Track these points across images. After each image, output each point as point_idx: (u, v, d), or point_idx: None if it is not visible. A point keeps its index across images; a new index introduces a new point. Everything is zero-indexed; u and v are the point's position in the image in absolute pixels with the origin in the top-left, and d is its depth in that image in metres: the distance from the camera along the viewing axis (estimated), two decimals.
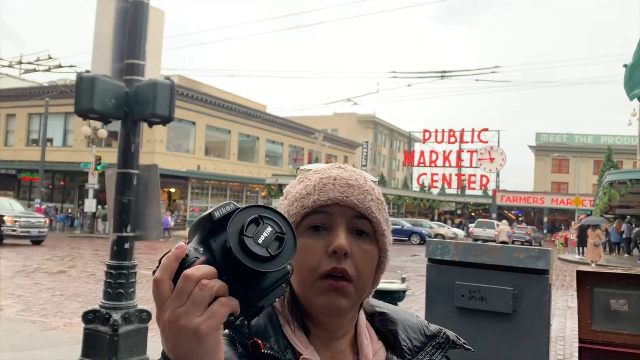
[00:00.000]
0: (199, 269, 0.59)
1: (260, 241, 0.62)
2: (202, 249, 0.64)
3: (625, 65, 3.05)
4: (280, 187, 33.08)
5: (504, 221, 28.51)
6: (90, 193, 24.64)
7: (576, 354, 3.11)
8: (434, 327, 0.87)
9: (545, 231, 46.60)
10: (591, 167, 53.15)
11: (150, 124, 4.27)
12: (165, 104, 4.06)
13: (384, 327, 0.85)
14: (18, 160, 32.71)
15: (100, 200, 24.81)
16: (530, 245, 30.81)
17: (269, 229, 0.63)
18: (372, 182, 0.84)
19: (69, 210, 29.95)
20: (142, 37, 4.27)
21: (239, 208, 0.65)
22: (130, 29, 4.24)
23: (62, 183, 33.53)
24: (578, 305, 2.97)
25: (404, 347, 0.83)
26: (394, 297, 4.32)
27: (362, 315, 0.85)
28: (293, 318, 0.79)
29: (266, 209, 0.65)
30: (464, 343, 0.87)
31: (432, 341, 0.85)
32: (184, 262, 0.61)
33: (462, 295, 3.14)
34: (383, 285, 4.39)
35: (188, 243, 0.66)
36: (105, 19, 4.24)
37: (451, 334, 0.87)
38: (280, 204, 0.84)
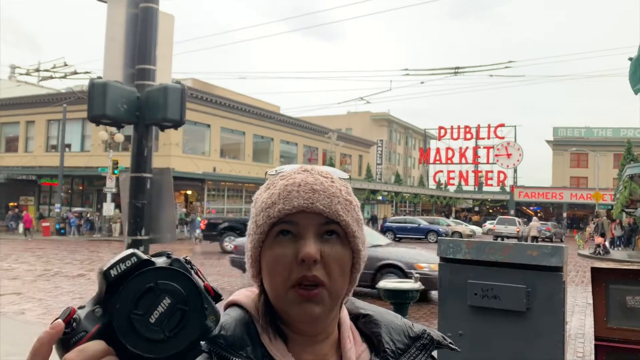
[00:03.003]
0: (81, 353, 0.54)
1: (153, 320, 0.54)
2: (100, 312, 0.56)
3: (630, 59, 2.99)
4: None
5: (535, 218, 28.85)
6: (109, 197, 24.99)
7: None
8: (418, 329, 0.86)
9: (565, 227, 46.00)
10: (611, 161, 52.26)
11: (162, 128, 4.31)
12: (176, 108, 4.09)
13: (367, 329, 0.85)
14: (38, 166, 33.29)
15: (118, 204, 25.14)
16: (551, 241, 30.55)
17: (167, 300, 0.55)
18: (340, 182, 0.81)
19: (89, 215, 30.39)
20: (152, 43, 4.31)
21: (140, 263, 0.57)
22: (141, 35, 4.29)
23: (80, 188, 34.04)
24: (593, 303, 2.92)
25: (387, 349, 0.82)
26: (407, 296, 4.31)
27: (345, 318, 0.84)
28: (269, 326, 0.78)
29: (167, 272, 0.56)
30: (450, 343, 0.87)
31: (416, 343, 0.84)
32: (71, 336, 0.55)
33: (475, 294, 3.11)
34: (396, 285, 4.38)
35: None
36: (115, 25, 4.29)
37: (436, 335, 0.86)
38: (250, 211, 0.82)
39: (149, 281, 0.55)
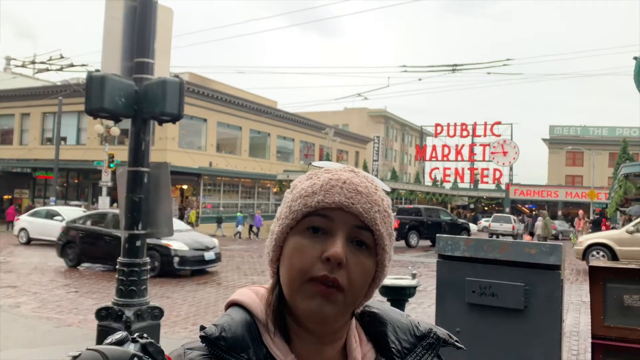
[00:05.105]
0: None
1: None
2: None
3: (635, 58, 2.98)
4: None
5: (540, 218, 29.26)
6: (104, 191, 24.88)
7: (590, 349, 3.07)
8: (424, 327, 0.85)
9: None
10: (606, 160, 52.45)
11: (160, 122, 4.29)
12: (175, 102, 4.07)
13: (373, 328, 0.83)
14: (33, 159, 33.13)
15: (114, 198, 25.06)
16: (557, 239, 30.76)
17: None
18: (382, 193, 0.79)
19: (82, 208, 30.27)
20: (151, 36, 4.28)
21: None
22: (139, 28, 4.26)
23: (76, 181, 33.91)
24: (591, 301, 2.93)
25: (393, 349, 0.80)
26: (404, 293, 4.31)
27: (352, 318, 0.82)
28: (275, 325, 0.76)
29: None
30: (456, 341, 0.85)
31: (422, 342, 0.83)
32: None
33: (473, 292, 3.12)
34: (393, 281, 4.38)
35: None
36: (114, 18, 4.26)
37: (442, 333, 0.85)
38: (285, 196, 0.80)
39: None
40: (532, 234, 24.11)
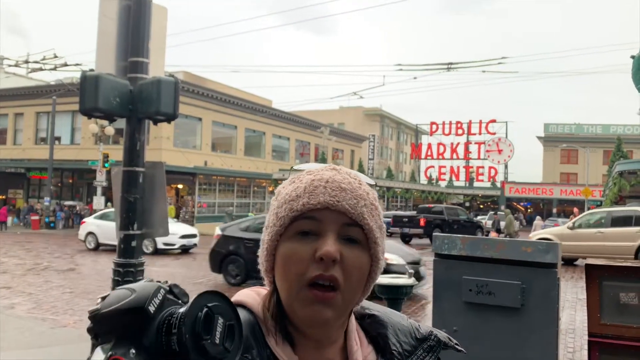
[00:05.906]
0: None
1: (217, 340, 0.60)
2: (133, 352, 0.60)
3: (633, 57, 2.99)
4: None
5: (539, 217, 29.66)
6: (99, 190, 24.80)
7: (586, 346, 3.08)
8: (424, 330, 0.85)
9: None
10: (600, 157, 52.72)
11: (155, 122, 4.27)
12: (170, 101, 4.05)
13: (373, 330, 0.83)
14: (27, 159, 32.93)
15: (109, 197, 24.98)
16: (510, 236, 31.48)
17: (220, 320, 0.61)
18: (367, 186, 0.79)
19: (77, 208, 30.15)
20: (145, 35, 4.26)
21: (165, 293, 0.62)
22: (134, 27, 4.24)
23: (70, 181, 33.75)
24: (587, 299, 2.94)
25: (394, 351, 0.80)
26: (401, 292, 4.31)
27: (352, 319, 0.82)
28: (277, 327, 0.76)
29: (210, 296, 0.62)
30: (456, 344, 0.86)
31: (423, 344, 0.83)
32: None
33: (470, 290, 3.12)
34: (390, 280, 4.37)
35: (98, 343, 0.62)
36: (108, 17, 4.23)
37: (442, 336, 0.85)
38: (271, 204, 0.80)
39: (201, 307, 0.60)
40: (499, 231, 24.95)
